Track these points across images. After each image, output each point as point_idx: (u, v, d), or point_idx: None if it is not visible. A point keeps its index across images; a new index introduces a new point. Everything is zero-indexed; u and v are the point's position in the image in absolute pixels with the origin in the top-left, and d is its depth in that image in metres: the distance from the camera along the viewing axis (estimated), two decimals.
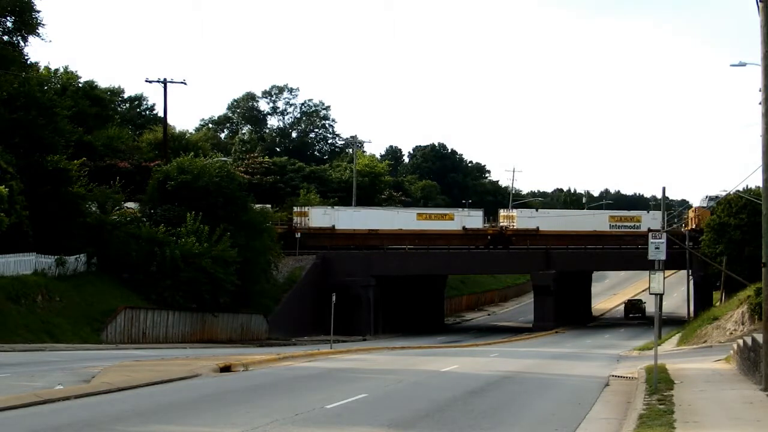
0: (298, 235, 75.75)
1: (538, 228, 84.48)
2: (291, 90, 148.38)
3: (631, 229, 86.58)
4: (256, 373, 28.21)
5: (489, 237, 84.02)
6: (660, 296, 26.41)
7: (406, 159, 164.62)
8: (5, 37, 57.86)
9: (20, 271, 45.06)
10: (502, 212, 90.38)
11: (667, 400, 20.30)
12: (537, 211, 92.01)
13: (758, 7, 21.27)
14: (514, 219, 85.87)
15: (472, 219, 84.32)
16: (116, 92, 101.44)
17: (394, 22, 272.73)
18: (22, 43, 58.68)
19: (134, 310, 49.70)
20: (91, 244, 51.44)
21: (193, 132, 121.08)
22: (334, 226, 79.16)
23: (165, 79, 66.21)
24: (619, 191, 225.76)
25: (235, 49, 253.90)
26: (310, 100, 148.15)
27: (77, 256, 50.02)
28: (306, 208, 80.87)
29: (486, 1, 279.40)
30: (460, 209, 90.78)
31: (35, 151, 50.13)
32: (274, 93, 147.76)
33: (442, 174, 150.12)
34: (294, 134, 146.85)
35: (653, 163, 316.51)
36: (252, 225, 60.62)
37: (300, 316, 69.20)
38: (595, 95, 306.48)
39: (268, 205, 73.31)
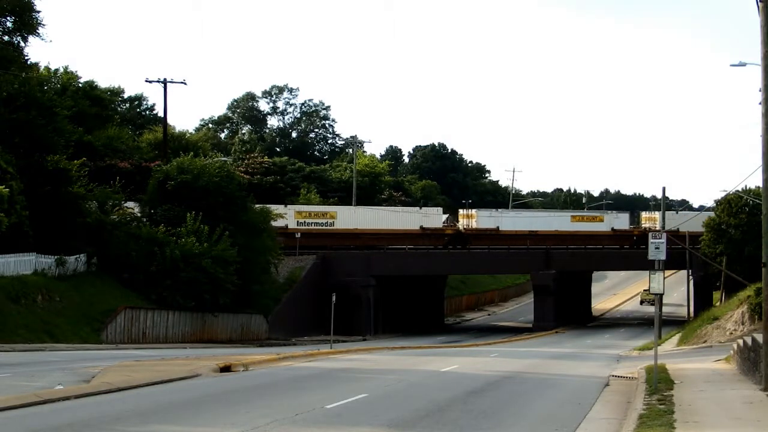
0: (298, 235, 75.74)
1: (498, 228, 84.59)
2: (291, 90, 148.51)
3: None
4: (256, 373, 28.22)
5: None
6: (660, 296, 26.42)
7: (406, 159, 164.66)
8: (5, 37, 57.86)
9: (20, 271, 45.05)
10: (462, 212, 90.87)
11: (667, 400, 20.30)
12: (497, 210, 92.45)
13: (758, 7, 21.27)
14: (474, 218, 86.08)
15: (619, 220, 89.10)
16: (116, 92, 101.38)
17: (394, 22, 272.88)
18: (22, 43, 58.70)
19: (134, 310, 49.70)
20: (91, 244, 51.42)
21: (193, 132, 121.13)
22: (498, 228, 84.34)
23: (165, 79, 66.21)
24: (619, 191, 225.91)
25: (235, 49, 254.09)
26: (310, 100, 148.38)
27: (77, 256, 50.01)
28: (473, 211, 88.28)
29: (486, 1, 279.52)
30: (609, 211, 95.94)
31: (35, 151, 50.12)
32: (274, 93, 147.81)
33: (442, 174, 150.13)
34: (294, 134, 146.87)
35: (653, 163, 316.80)
36: (252, 225, 60.62)
37: (300, 316, 69.20)
38: (596, 95, 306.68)
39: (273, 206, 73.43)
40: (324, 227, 78.95)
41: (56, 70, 79.53)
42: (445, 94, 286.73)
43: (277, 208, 71.98)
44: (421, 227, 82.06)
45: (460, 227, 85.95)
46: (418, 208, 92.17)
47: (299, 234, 75.96)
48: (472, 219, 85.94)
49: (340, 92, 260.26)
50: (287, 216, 76.70)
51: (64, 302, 46.40)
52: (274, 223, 66.65)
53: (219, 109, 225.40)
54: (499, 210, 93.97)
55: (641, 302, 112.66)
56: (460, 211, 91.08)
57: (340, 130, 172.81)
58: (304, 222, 78.24)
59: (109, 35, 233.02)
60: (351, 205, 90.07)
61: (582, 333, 77.80)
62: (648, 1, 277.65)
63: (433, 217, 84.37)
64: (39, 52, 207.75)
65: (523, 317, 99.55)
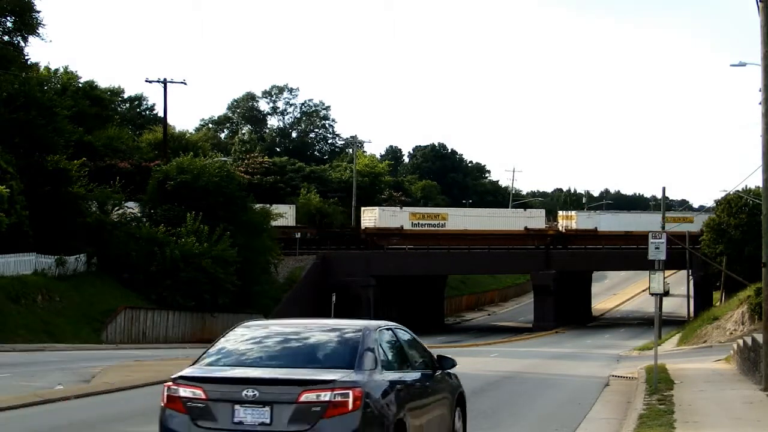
0: (298, 235, 75.81)
1: (596, 228, 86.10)
2: (291, 90, 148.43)
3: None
4: None
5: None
6: (660, 296, 26.42)
7: (406, 159, 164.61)
8: (5, 37, 57.91)
9: (20, 271, 45.06)
10: (561, 213, 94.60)
11: (667, 400, 20.30)
12: (596, 212, 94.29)
13: (758, 7, 21.28)
14: (573, 219, 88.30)
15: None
16: (116, 92, 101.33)
17: (394, 22, 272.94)
18: (22, 43, 58.76)
19: (134, 310, 49.70)
20: (91, 244, 51.43)
21: (193, 132, 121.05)
22: (596, 228, 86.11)
23: (165, 79, 66.21)
24: (619, 191, 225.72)
25: (235, 49, 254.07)
26: (310, 100, 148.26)
27: (77, 256, 50.02)
28: (572, 212, 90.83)
29: (486, 1, 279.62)
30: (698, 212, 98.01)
31: (35, 151, 50.14)
32: (274, 93, 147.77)
33: (442, 174, 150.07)
34: (294, 134, 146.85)
35: (653, 163, 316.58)
36: (252, 225, 60.61)
37: (300, 316, 69.02)
38: (596, 95, 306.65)
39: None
40: (437, 228, 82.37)
41: (56, 70, 79.54)
42: (445, 94, 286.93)
43: (394, 211, 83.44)
44: (526, 228, 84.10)
45: (561, 228, 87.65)
46: (523, 209, 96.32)
47: (299, 234, 76.06)
48: (572, 220, 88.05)
49: (340, 92, 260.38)
50: (400, 216, 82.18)
51: (64, 302, 46.41)
52: (392, 225, 74.13)
53: (219, 109, 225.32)
54: (598, 212, 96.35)
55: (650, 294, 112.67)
56: (560, 212, 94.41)
57: (340, 130, 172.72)
58: (418, 223, 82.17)
59: (109, 35, 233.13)
60: (352, 205, 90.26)
61: (582, 333, 77.81)
62: (648, 1, 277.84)
63: (537, 219, 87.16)
64: (39, 52, 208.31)
65: (523, 317, 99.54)
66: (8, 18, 57.42)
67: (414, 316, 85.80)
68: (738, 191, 73.30)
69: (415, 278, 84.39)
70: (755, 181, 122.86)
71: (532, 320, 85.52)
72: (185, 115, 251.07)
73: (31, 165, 49.31)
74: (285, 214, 76.57)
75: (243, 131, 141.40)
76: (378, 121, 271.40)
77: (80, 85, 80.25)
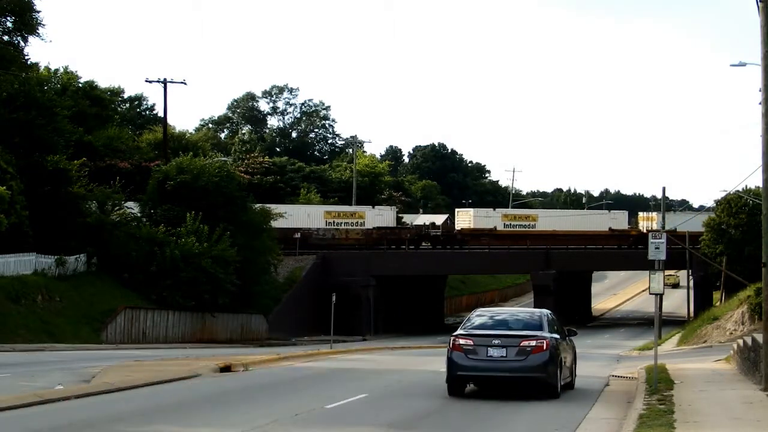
0: (298, 235, 75.77)
1: (675, 229, 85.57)
2: (291, 90, 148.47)
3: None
4: (256, 373, 28.21)
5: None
6: (660, 296, 26.40)
7: (406, 159, 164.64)
8: (5, 37, 57.89)
9: (20, 271, 45.05)
10: (642, 214, 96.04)
11: (667, 400, 20.30)
12: (674, 213, 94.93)
13: (758, 7, 21.27)
14: (654, 220, 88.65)
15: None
16: (116, 92, 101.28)
17: (394, 22, 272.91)
18: (22, 43, 58.74)
19: (134, 310, 49.69)
20: (91, 244, 51.41)
21: (193, 132, 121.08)
22: (675, 228, 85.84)
23: (165, 79, 66.20)
24: (619, 191, 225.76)
25: (235, 49, 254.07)
26: (310, 100, 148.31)
27: (77, 256, 50.00)
28: (653, 213, 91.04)
29: (486, 1, 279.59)
30: None
31: (35, 151, 50.12)
32: (274, 93, 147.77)
33: (442, 174, 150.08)
34: (294, 134, 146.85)
35: (653, 163, 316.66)
36: (252, 225, 60.59)
37: (300, 316, 69.16)
38: (595, 95, 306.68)
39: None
40: (527, 228, 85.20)
41: (56, 70, 79.54)
42: (445, 94, 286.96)
43: (487, 212, 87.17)
44: (610, 228, 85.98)
45: (642, 229, 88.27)
46: (606, 210, 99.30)
47: (298, 234, 76.02)
48: (653, 221, 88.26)
49: (340, 92, 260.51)
50: (493, 218, 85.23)
51: (64, 302, 46.40)
52: (486, 225, 78.64)
53: (219, 109, 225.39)
54: (677, 213, 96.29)
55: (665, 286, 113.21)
56: (640, 214, 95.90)
57: (340, 130, 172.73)
58: (510, 224, 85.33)
59: (109, 35, 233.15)
60: (352, 204, 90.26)
61: (582, 333, 77.46)
62: (648, 1, 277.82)
63: (620, 220, 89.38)
64: (39, 52, 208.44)
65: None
66: (8, 18, 57.41)
67: (414, 316, 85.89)
68: (738, 191, 73.27)
69: (415, 278, 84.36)
70: (755, 181, 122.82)
71: None
72: (185, 115, 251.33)
73: (31, 165, 49.29)
74: (383, 214, 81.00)
75: (243, 131, 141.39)
76: (378, 121, 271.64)
77: (80, 85, 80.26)
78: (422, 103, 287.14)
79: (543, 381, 21.27)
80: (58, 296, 46.29)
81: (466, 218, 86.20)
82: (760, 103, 22.54)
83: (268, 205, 67.39)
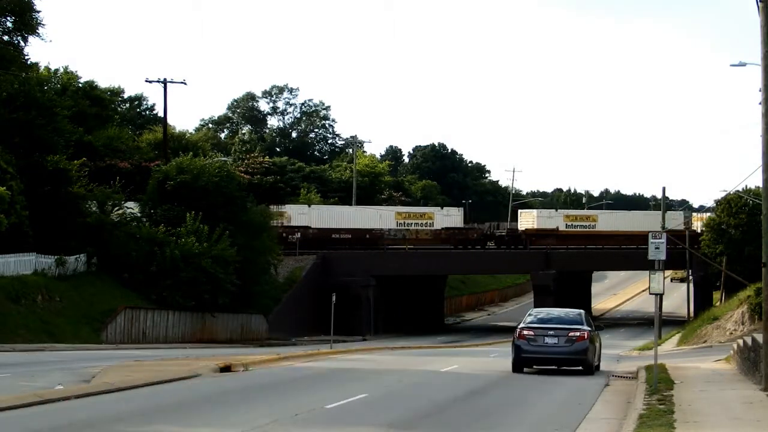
0: (297, 235, 75.79)
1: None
2: (291, 90, 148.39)
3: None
4: (256, 373, 28.21)
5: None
6: (660, 296, 26.42)
7: (406, 159, 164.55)
8: (5, 37, 57.86)
9: (20, 271, 45.04)
10: (696, 215, 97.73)
11: (667, 400, 20.30)
12: (309, 207, 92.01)
13: (758, 7, 21.28)
14: (534, 218, 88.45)
15: None
16: (116, 92, 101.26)
17: (394, 23, 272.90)
18: (22, 43, 58.70)
19: (134, 310, 49.68)
20: (91, 244, 51.40)
21: (193, 132, 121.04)
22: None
23: (165, 79, 66.19)
24: (619, 191, 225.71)
25: (235, 49, 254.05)
26: (310, 100, 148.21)
27: (77, 256, 50.00)
28: (706, 214, 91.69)
29: (486, 1, 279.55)
30: None
31: (35, 151, 50.11)
32: (274, 93, 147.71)
33: (442, 174, 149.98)
34: (294, 134, 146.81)
35: (653, 163, 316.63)
36: (252, 225, 60.59)
37: (300, 316, 69.17)
38: (596, 95, 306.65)
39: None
40: (588, 229, 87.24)
41: (56, 70, 79.52)
42: (445, 94, 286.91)
43: (550, 213, 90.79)
44: (663, 228, 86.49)
45: (697, 229, 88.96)
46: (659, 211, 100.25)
47: (298, 234, 76.03)
48: (700, 221, 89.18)
49: (340, 92, 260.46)
50: (555, 218, 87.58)
51: (64, 302, 46.40)
52: (548, 226, 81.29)
53: (219, 109, 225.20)
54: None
55: (671, 279, 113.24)
56: (694, 214, 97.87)
57: (340, 130, 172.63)
58: (572, 224, 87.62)
59: (109, 35, 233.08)
60: (351, 204, 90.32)
61: None
62: (648, 1, 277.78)
63: (676, 220, 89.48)
64: (39, 52, 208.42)
65: (523, 317, 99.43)
66: (8, 18, 57.37)
67: (414, 316, 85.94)
68: (738, 191, 73.29)
69: (415, 278, 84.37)
70: (755, 181, 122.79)
71: None
72: (185, 115, 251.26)
73: (31, 165, 49.27)
74: (450, 215, 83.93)
75: (243, 131, 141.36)
76: (378, 121, 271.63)
77: (80, 85, 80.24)
78: (422, 103, 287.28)
79: (584, 361, 28.98)
80: (58, 296, 46.28)
81: (529, 219, 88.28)
82: (760, 103, 22.55)
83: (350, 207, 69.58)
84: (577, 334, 28.54)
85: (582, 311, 30.72)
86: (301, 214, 78.85)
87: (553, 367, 29.53)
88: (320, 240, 76.90)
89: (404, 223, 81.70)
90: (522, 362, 29.15)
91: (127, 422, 16.39)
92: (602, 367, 32.37)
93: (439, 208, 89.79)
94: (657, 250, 25.08)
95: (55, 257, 47.80)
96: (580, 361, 28.86)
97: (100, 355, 34.88)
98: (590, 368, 29.06)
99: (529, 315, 30.36)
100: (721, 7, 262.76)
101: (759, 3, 21.21)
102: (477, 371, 30.87)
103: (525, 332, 28.84)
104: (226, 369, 27.98)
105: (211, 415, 17.61)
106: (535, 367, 29.78)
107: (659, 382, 23.75)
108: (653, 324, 33.89)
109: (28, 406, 17.86)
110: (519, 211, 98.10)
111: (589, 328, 29.24)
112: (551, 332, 28.67)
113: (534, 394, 23.69)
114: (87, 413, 17.36)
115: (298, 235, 75.80)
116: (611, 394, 23.88)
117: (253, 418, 17.05)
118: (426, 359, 37.59)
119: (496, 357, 40.85)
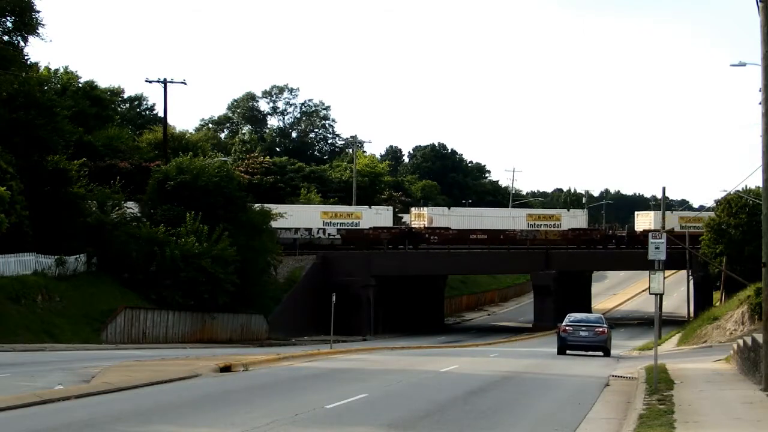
0: (297, 234, 75.79)
1: None
2: (291, 90, 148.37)
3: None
4: (256, 373, 28.20)
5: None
6: (660, 296, 26.41)
7: (406, 159, 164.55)
8: (5, 37, 57.78)
9: (20, 271, 45.04)
10: (639, 213, 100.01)
11: (667, 400, 20.30)
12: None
13: (758, 7, 21.28)
14: (651, 220, 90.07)
15: None
16: (116, 92, 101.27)
17: (394, 23, 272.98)
18: (22, 43, 58.56)
19: (134, 310, 49.68)
20: (91, 244, 51.41)
21: (193, 132, 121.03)
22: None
23: (165, 79, 66.17)
24: (619, 191, 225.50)
25: (235, 49, 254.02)
26: (310, 100, 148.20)
27: (77, 256, 50.00)
28: None
29: (486, 1, 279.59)
30: None
31: (35, 151, 50.11)
32: (274, 93, 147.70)
33: (442, 174, 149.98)
34: (294, 134, 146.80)
35: (653, 163, 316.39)
36: (252, 225, 60.59)
37: (300, 316, 69.16)
38: (595, 95, 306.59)
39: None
40: (699, 230, 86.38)
41: (56, 70, 79.56)
42: (445, 94, 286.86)
43: (667, 214, 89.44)
44: (663, 228, 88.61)
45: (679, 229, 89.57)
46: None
47: (298, 234, 76.10)
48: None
49: (340, 92, 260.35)
50: (670, 220, 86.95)
51: (64, 302, 46.40)
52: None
53: (219, 109, 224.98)
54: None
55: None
56: (686, 214, 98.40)
57: (340, 130, 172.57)
58: (686, 225, 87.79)
59: (109, 35, 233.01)
60: (352, 204, 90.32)
61: None
62: (648, 1, 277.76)
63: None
64: (39, 52, 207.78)
65: (523, 317, 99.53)
66: (8, 18, 57.31)
67: (414, 316, 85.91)
68: (738, 191, 73.24)
69: (415, 278, 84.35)
70: (755, 181, 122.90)
71: (532, 320, 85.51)
72: (185, 115, 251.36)
73: (31, 165, 49.28)
74: (576, 216, 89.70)
75: (243, 131, 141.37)
76: (378, 121, 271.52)
77: (80, 85, 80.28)
78: (422, 103, 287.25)
79: (605, 347, 42.99)
80: (58, 296, 46.28)
81: (645, 220, 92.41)
82: (760, 103, 22.54)
83: (424, 209, 72.45)
84: (600, 329, 43.28)
85: (601, 315, 48.72)
86: (440, 216, 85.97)
87: (581, 353, 42.96)
88: (459, 240, 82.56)
89: (534, 224, 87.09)
90: (565, 347, 43.16)
91: (126, 422, 16.39)
92: (602, 367, 32.36)
93: (565, 210, 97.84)
94: (657, 250, 25.04)
95: (55, 257, 47.80)
96: (602, 347, 42.98)
97: (100, 355, 34.88)
98: (608, 352, 43.37)
99: (567, 317, 44.68)
100: (721, 7, 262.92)
101: (759, 3, 21.21)
102: (477, 371, 30.87)
103: (567, 328, 43.33)
104: (226, 369, 27.98)
105: (212, 415, 17.61)
106: (568, 352, 42.80)
107: (659, 382, 23.75)
108: (653, 324, 33.91)
109: (27, 406, 17.87)
110: (635, 212, 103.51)
111: (607, 326, 44.13)
112: (583, 328, 43.39)
113: (534, 394, 23.70)
114: (87, 413, 17.35)
115: (436, 238, 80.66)
116: (611, 394, 23.88)
117: (253, 418, 17.06)
118: (426, 359, 37.60)
119: (496, 357, 40.87)
